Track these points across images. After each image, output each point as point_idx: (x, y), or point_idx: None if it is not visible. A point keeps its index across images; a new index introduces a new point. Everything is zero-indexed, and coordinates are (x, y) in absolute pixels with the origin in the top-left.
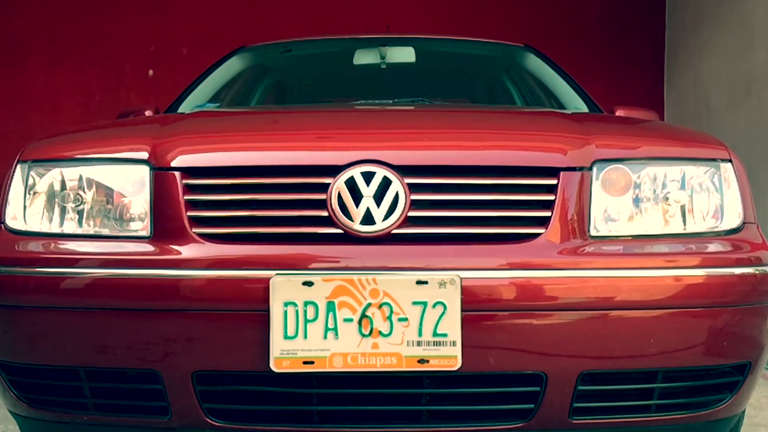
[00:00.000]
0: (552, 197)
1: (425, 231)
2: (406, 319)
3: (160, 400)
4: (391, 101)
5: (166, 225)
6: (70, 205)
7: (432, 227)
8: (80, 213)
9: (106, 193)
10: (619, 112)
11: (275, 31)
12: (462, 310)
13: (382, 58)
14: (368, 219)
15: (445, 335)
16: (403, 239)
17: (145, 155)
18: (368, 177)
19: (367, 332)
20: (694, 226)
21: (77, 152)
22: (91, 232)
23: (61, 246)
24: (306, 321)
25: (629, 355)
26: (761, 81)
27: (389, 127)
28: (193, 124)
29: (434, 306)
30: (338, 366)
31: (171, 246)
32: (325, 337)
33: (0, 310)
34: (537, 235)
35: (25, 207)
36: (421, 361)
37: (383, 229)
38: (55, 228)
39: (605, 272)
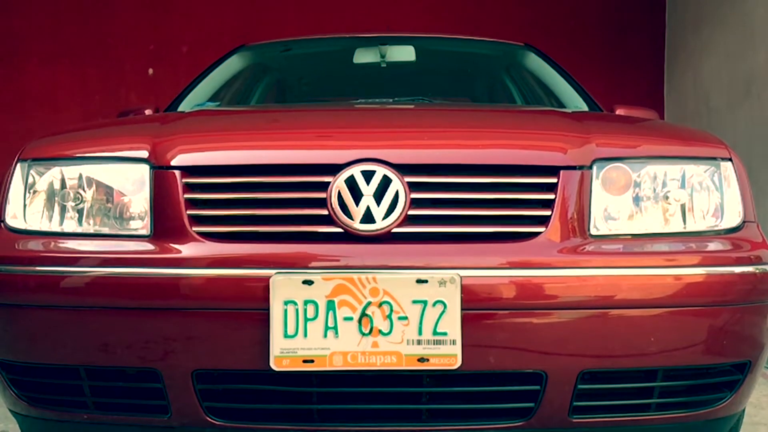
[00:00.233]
0: (552, 196)
1: (425, 230)
2: (406, 318)
3: (160, 399)
4: (391, 100)
5: (166, 224)
6: (70, 204)
7: (432, 226)
8: (80, 212)
9: (106, 191)
10: (619, 111)
11: (275, 31)
12: (462, 309)
13: (382, 57)
14: (368, 218)
15: (445, 334)
16: (403, 238)
17: (145, 154)
18: (368, 176)
19: (367, 331)
20: (694, 224)
21: (77, 151)
22: (91, 230)
23: (61, 245)
24: (306, 320)
25: (629, 354)
26: (761, 81)
27: (389, 126)
28: (193, 123)
29: (434, 305)
30: (338, 365)
31: (171, 245)
32: (325, 335)
33: (0, 308)
34: (537, 233)
35: (25, 206)
36: (421, 359)
37: (383, 228)
38: (55, 227)
39: (605, 271)
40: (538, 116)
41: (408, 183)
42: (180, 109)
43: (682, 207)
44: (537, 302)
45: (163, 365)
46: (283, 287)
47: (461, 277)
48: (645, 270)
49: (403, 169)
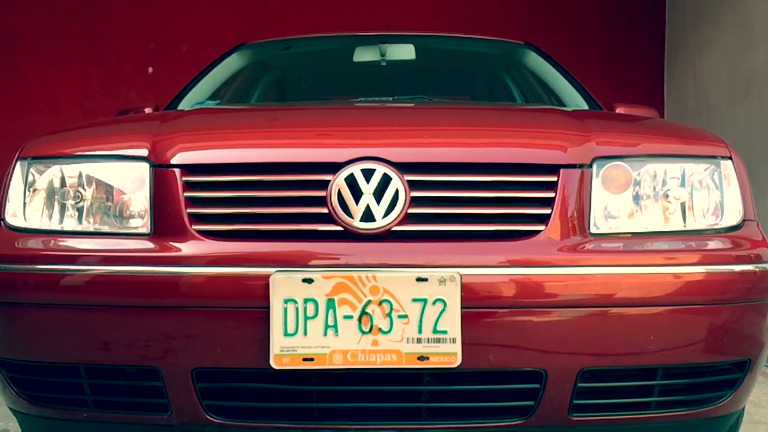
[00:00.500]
0: (552, 194)
1: (425, 228)
2: (406, 316)
3: (160, 397)
4: (391, 98)
5: (166, 222)
6: (69, 202)
7: (432, 224)
8: (80, 210)
9: (106, 190)
10: (619, 110)
11: (275, 29)
12: (462, 307)
13: (382, 55)
14: (368, 216)
15: (444, 332)
16: (403, 236)
17: (144, 152)
18: (368, 174)
19: (366, 329)
20: (694, 223)
21: (77, 149)
22: (91, 229)
23: (60, 243)
24: (306, 318)
25: (629, 352)
26: (761, 79)
27: (389, 124)
28: (193, 122)
29: (434, 303)
30: (338, 363)
31: (171, 243)
32: (325, 334)
33: (0, 307)
34: (537, 232)
35: (24, 204)
36: (421, 358)
37: (383, 226)
38: (54, 225)
39: (605, 269)
40: (538, 115)
41: (408, 181)
42: (180, 107)
43: (682, 205)
44: (537, 300)
45: (163, 363)
46: (283, 285)
47: (461, 276)
48: (645, 268)
49: (403, 167)
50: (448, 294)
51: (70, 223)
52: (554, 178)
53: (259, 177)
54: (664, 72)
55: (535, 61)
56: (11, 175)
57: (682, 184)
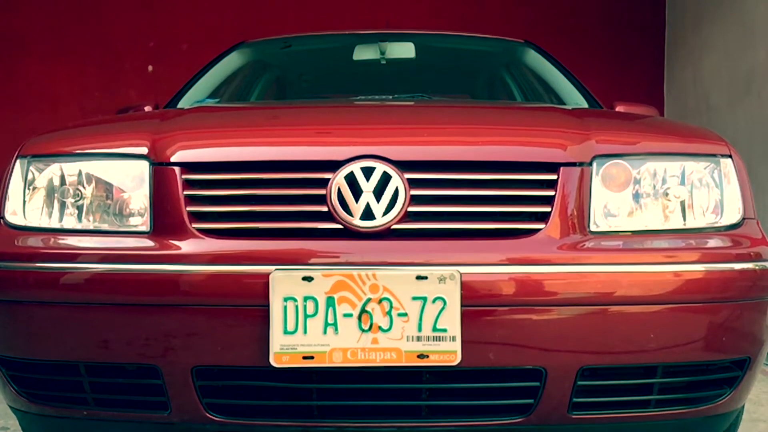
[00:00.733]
0: (552, 192)
1: (425, 226)
2: (405, 315)
3: (159, 395)
4: (391, 97)
5: (165, 220)
6: (69, 200)
7: (432, 222)
8: (80, 208)
9: (106, 188)
10: (619, 108)
11: (275, 28)
12: (462, 306)
13: (382, 53)
14: (368, 214)
15: (444, 330)
16: (402, 234)
17: (144, 150)
18: (368, 172)
19: (366, 327)
20: (693, 221)
21: (76, 147)
22: (91, 227)
23: (60, 241)
24: (306, 316)
25: (629, 351)
26: (761, 78)
27: (389, 123)
28: (193, 120)
29: (434, 301)
30: (338, 361)
31: (171, 241)
32: (325, 332)
33: (0, 305)
34: (537, 230)
35: (24, 202)
36: (421, 356)
37: (383, 225)
38: (54, 223)
39: (605, 267)
40: (537, 113)
41: (408, 179)
42: (179, 105)
43: (682, 204)
44: (537, 299)
45: (162, 362)
46: (283, 284)
47: (461, 274)
48: (645, 267)
49: (402, 165)
50: (447, 292)
51: (70, 221)
52: (554, 177)
53: (259, 175)
54: (664, 71)
55: (534, 59)
56: (11, 174)
57: (682, 183)
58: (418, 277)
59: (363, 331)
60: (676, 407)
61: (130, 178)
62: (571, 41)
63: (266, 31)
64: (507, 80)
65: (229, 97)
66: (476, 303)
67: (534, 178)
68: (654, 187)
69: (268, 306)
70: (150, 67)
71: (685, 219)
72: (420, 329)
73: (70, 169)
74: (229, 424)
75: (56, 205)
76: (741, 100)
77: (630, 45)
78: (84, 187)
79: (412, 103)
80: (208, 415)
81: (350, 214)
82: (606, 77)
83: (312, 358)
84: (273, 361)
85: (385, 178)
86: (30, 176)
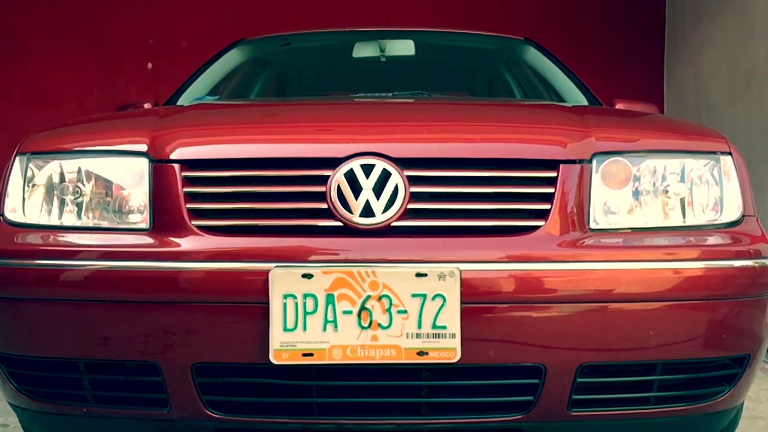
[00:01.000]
0: (552, 190)
1: (425, 223)
2: (405, 312)
3: (159, 392)
4: (390, 94)
5: (165, 217)
6: (69, 198)
7: (431, 220)
8: (79, 205)
9: (105, 185)
10: (619, 105)
11: (275, 25)
12: (461, 303)
13: (382, 51)
14: (368, 211)
15: (444, 327)
16: (402, 232)
17: (144, 147)
18: (368, 169)
19: (366, 324)
20: (693, 218)
21: (76, 144)
22: (90, 224)
23: (60, 238)
24: (305, 313)
25: (628, 348)
26: (761, 76)
27: (389, 120)
28: (192, 117)
29: (433, 298)
30: (337, 358)
31: (170, 238)
32: (325, 329)
33: None
34: (536, 227)
35: (24, 199)
36: (421, 353)
37: (383, 222)
38: (54, 220)
39: (605, 265)
40: (537, 110)
41: (407, 177)
42: (179, 102)
43: (682, 201)
44: (536, 296)
45: (162, 359)
46: (283, 281)
47: (461, 271)
48: (644, 264)
49: (402, 162)
50: (447, 289)
51: (70, 219)
52: (554, 174)
53: (259, 172)
54: (663, 68)
55: (534, 56)
56: (10, 171)
57: (682, 180)
58: (418, 275)
59: (362, 328)
60: (676, 404)
61: (130, 175)
62: (571, 38)
63: (266, 29)
64: (507, 77)
65: (228, 94)
66: (476, 300)
67: (534, 175)
68: (654, 184)
69: (268, 303)
70: (149, 65)
71: (684, 216)
72: (419, 326)
73: (70, 166)
74: (228, 421)
75: (56, 202)
76: (741, 97)
77: (630, 42)
78: (83, 184)
79: (411, 100)
80: (207, 412)
81: (350, 212)
82: (606, 74)
83: (311, 355)
84: (273, 358)
85: (385, 176)
86: (29, 173)
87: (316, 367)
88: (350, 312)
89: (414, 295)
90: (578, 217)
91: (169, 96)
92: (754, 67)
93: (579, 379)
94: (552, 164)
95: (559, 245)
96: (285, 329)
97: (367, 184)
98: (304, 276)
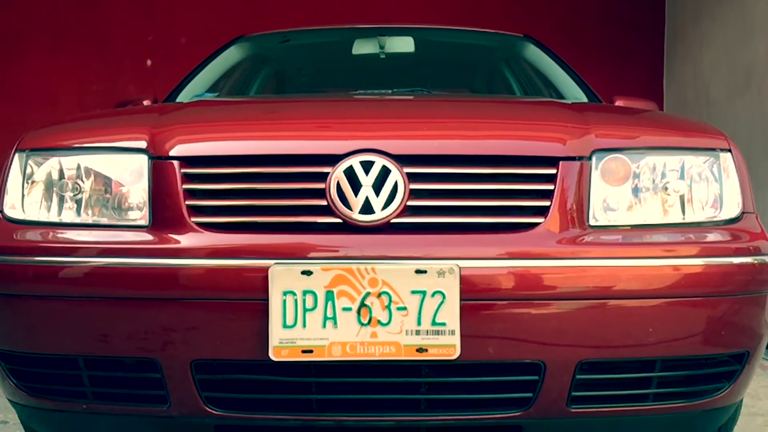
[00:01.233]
0: (551, 187)
1: (424, 220)
2: (404, 308)
3: (158, 389)
4: (390, 91)
5: (164, 214)
6: (68, 194)
7: (431, 216)
8: (78, 202)
9: (105, 182)
10: (618, 102)
11: (274, 22)
12: (461, 299)
13: (381, 48)
14: (367, 208)
15: (443, 324)
16: (402, 228)
17: (143, 144)
18: (367, 166)
19: (365, 321)
20: (693, 215)
21: (75, 141)
22: (90, 221)
23: (59, 235)
24: (305, 310)
25: (628, 344)
26: (761, 73)
27: (388, 117)
28: (192, 113)
29: (433, 295)
30: (337, 355)
31: (169, 235)
32: (324, 326)
33: None
34: (536, 224)
35: (23, 196)
36: (420, 350)
37: (382, 219)
38: (53, 217)
39: (604, 261)
40: (537, 107)
41: (407, 174)
42: (178, 99)
43: (681, 198)
44: (536, 293)
45: (161, 355)
46: (282, 277)
47: (460, 268)
48: (644, 261)
49: (402, 159)
50: (447, 286)
51: (69, 215)
52: (553, 171)
53: (258, 169)
54: (663, 66)
55: (534, 53)
56: (9, 167)
57: (682, 177)
58: (417, 271)
59: (362, 324)
60: (675, 401)
61: (129, 172)
62: (570, 36)
63: (265, 26)
64: (506, 74)
65: (228, 91)
66: (475, 297)
67: (533, 172)
68: (653, 181)
69: (268, 300)
70: (149, 62)
71: (684, 213)
72: (419, 323)
73: (69, 162)
74: (228, 417)
75: (55, 198)
76: (741, 94)
77: (630, 40)
78: (83, 181)
79: (411, 97)
80: (207, 408)
81: (349, 208)
82: (605, 72)
83: (311, 351)
84: (272, 355)
85: (385, 172)
86: (29, 170)
87: (316, 364)
88: (350, 309)
89: (413, 292)
90: (578, 214)
91: (168, 93)
92: (753, 65)
93: (578, 376)
94: (551, 161)
95: (559, 242)
96: (284, 326)
97: (367, 181)
98: (304, 273)
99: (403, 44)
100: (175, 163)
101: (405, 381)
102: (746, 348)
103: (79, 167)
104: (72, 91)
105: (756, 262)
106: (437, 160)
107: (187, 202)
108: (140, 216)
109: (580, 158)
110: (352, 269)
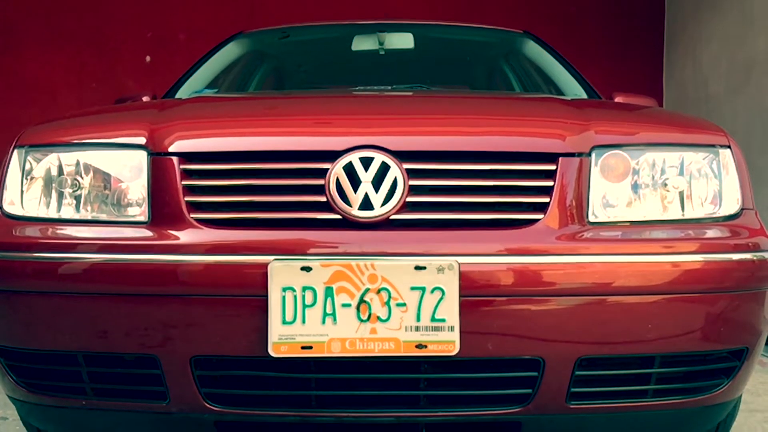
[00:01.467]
0: (551, 183)
1: (424, 216)
2: (404, 305)
3: (158, 385)
4: (389, 87)
5: (163, 210)
6: (67, 191)
7: (430, 213)
8: (78, 198)
9: (104, 178)
10: (618, 99)
11: (273, 19)
12: (460, 296)
13: (381, 44)
14: (367, 204)
15: (443, 320)
16: (401, 225)
17: (142, 140)
18: (367, 162)
19: (365, 317)
20: (692, 212)
21: (74, 137)
22: (89, 217)
23: (58, 231)
24: (304, 306)
25: (627, 341)
26: (760, 68)
27: (388, 113)
28: (191, 110)
29: (432, 291)
30: (336, 351)
31: (169, 231)
32: (324, 322)
33: None
34: (535, 220)
35: (22, 192)
36: (419, 346)
37: (382, 215)
38: (52, 213)
39: (603, 258)
40: (536, 103)
41: (406, 170)
42: (177, 95)
43: (681, 194)
44: (535, 289)
45: (161, 351)
46: (282, 274)
47: (459, 264)
48: (643, 257)
49: (401, 155)
50: (446, 282)
51: (68, 212)
52: (553, 167)
53: (258, 165)
54: (663, 61)
55: (533, 50)
56: (8, 163)
57: (681, 173)
58: (417, 267)
59: (361, 321)
60: (674, 397)
61: (128, 168)
62: (570, 30)
63: (264, 22)
64: (506, 71)
65: (227, 87)
66: (475, 293)
67: (533, 168)
68: (653, 177)
69: (267, 296)
70: (148, 58)
71: (683, 209)
72: (418, 319)
73: (68, 158)
74: (227, 413)
75: (54, 195)
76: (740, 90)
77: (629, 34)
78: (82, 177)
79: (410, 93)
80: (206, 404)
81: (349, 204)
82: (605, 68)
83: (310, 348)
84: (271, 351)
85: (384, 168)
86: (28, 166)
87: (315, 360)
88: (349, 305)
89: (413, 288)
90: (577, 210)
91: (167, 89)
92: (753, 60)
93: (577, 372)
94: (551, 157)
95: (558, 238)
96: (284, 322)
97: (366, 177)
98: (303, 269)
99: (403, 40)
100: (175, 159)
101: (404, 377)
102: (745, 344)
103: (78, 163)
104: (71, 87)
105: (755, 258)
106: (437, 156)
107: (186, 199)
108: (139, 212)
109: (580, 154)
110: (352, 265)
